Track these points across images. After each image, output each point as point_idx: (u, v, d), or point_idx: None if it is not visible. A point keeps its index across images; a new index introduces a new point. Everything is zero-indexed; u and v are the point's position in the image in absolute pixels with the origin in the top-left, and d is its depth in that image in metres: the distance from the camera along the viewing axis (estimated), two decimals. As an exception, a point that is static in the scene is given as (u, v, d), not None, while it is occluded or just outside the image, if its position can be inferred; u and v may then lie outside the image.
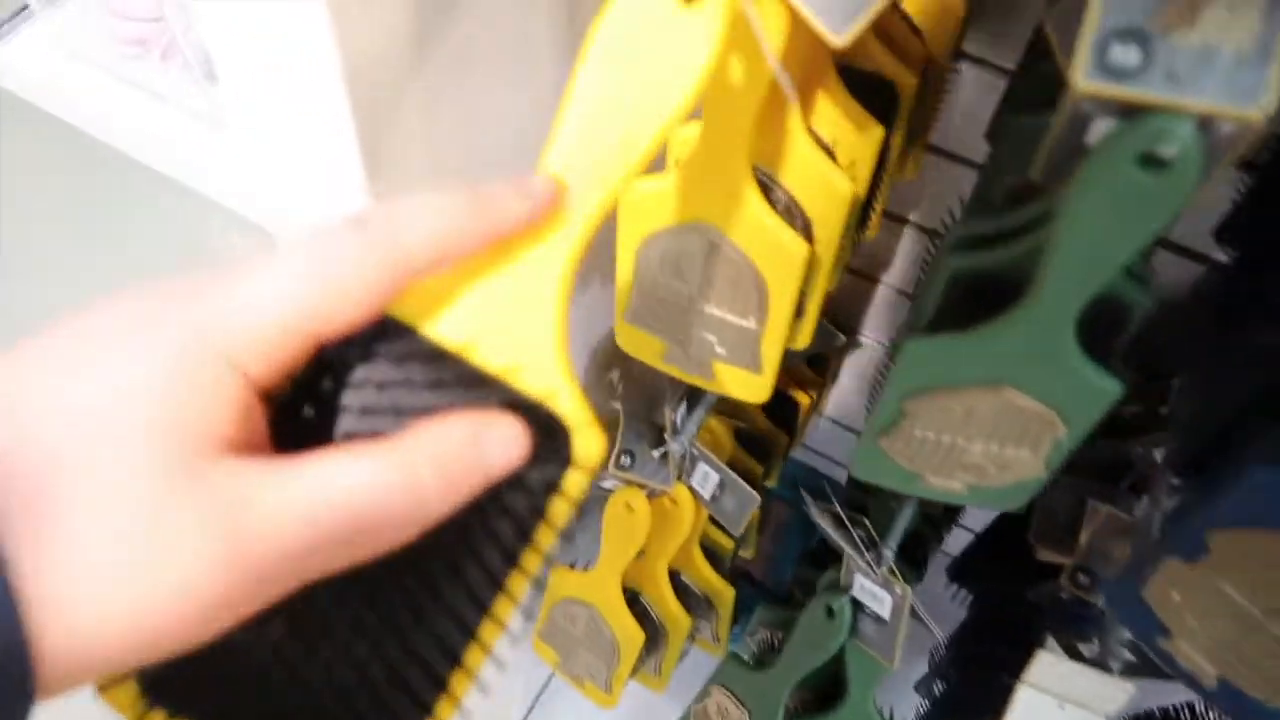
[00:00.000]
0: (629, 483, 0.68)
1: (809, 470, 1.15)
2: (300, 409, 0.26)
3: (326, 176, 0.37)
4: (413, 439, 0.25)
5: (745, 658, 0.77)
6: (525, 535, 0.26)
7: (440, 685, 0.27)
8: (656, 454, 0.65)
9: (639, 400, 0.69)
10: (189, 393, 0.22)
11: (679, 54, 0.29)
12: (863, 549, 0.61)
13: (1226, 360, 0.52)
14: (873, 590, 0.62)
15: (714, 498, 0.67)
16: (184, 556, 0.21)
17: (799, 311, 0.50)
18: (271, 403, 0.25)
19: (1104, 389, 0.40)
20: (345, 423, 0.26)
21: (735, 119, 0.39)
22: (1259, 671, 0.42)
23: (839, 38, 0.29)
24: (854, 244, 0.56)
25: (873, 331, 0.87)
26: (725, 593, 0.78)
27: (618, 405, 0.67)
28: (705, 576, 0.78)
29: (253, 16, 0.34)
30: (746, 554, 0.86)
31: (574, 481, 0.27)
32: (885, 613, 0.62)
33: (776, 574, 1.04)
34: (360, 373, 0.26)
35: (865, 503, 0.68)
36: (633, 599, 0.78)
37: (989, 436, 0.44)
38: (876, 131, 0.45)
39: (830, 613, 0.65)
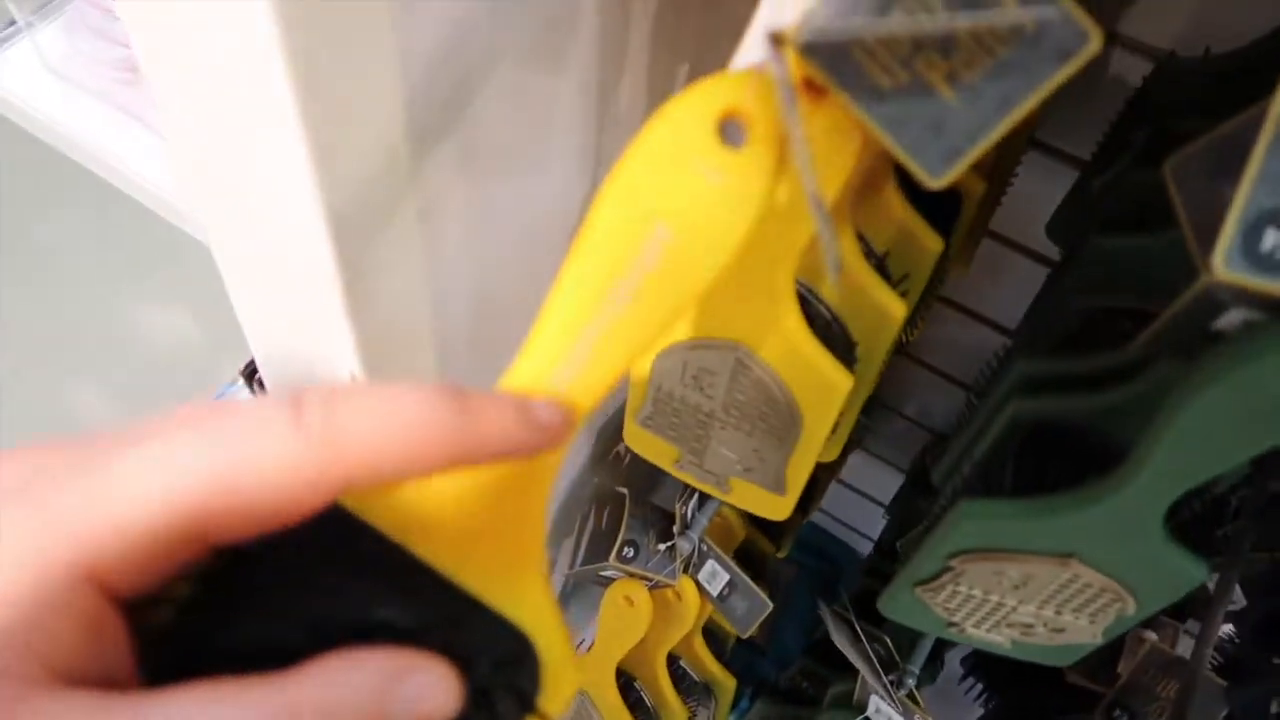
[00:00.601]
0: (631, 575, 0.62)
1: (822, 533, 1.10)
2: (201, 614, 0.20)
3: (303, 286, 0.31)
4: (303, 678, 0.18)
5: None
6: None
7: None
8: (663, 547, 0.60)
9: (645, 483, 0.63)
10: (19, 614, 0.17)
11: (719, 207, 0.23)
12: (880, 670, 0.55)
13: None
14: (890, 715, 0.56)
15: (722, 596, 0.61)
16: None
17: (835, 429, 0.45)
18: (164, 605, 0.20)
19: (1189, 574, 0.34)
20: (260, 634, 0.20)
21: (782, 243, 0.34)
22: None
23: (936, 180, 0.23)
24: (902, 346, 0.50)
25: (896, 400, 0.82)
26: (726, 682, 0.73)
27: (622, 489, 0.62)
28: (706, 665, 0.73)
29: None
30: (752, 634, 0.81)
31: (555, 692, 0.22)
32: (899, 734, 0.56)
33: (780, 644, 0.99)
34: (287, 571, 0.20)
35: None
36: (627, 684, 0.73)
37: (1045, 602, 0.39)
38: (935, 245, 0.40)
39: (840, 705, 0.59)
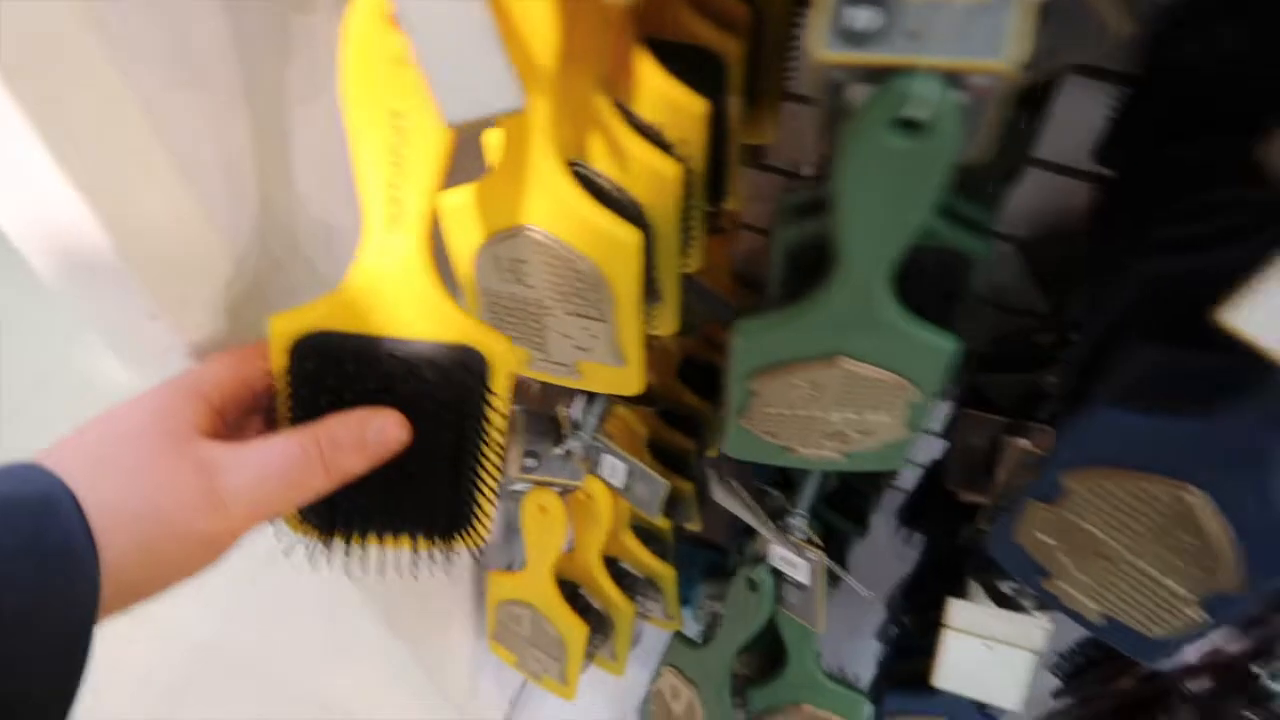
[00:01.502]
0: (539, 483, 0.67)
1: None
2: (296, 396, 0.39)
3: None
4: (319, 424, 0.38)
5: (694, 634, 0.77)
6: (483, 414, 0.41)
7: (476, 486, 0.43)
8: (559, 451, 0.64)
9: (539, 400, 0.68)
10: (175, 407, 0.36)
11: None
12: (768, 520, 0.60)
13: (1102, 287, 0.51)
14: (789, 558, 0.62)
15: (626, 487, 0.66)
16: (178, 497, 0.34)
17: (654, 296, 0.49)
18: (270, 396, 0.40)
19: (938, 347, 0.39)
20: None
21: (530, 116, 0.38)
22: (1133, 605, 0.42)
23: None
24: (715, 214, 0.54)
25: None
26: (665, 573, 0.78)
27: (515, 407, 0.66)
28: (642, 560, 0.78)
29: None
30: (694, 527, 0.86)
31: (498, 375, 0.41)
32: (804, 579, 0.61)
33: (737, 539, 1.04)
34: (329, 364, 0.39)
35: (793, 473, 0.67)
36: (574, 593, 0.78)
37: (842, 406, 0.44)
38: (699, 106, 0.44)
39: (752, 585, 0.64)
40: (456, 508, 0.43)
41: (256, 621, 1.06)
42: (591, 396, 0.64)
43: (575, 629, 0.75)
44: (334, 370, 0.39)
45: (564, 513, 0.68)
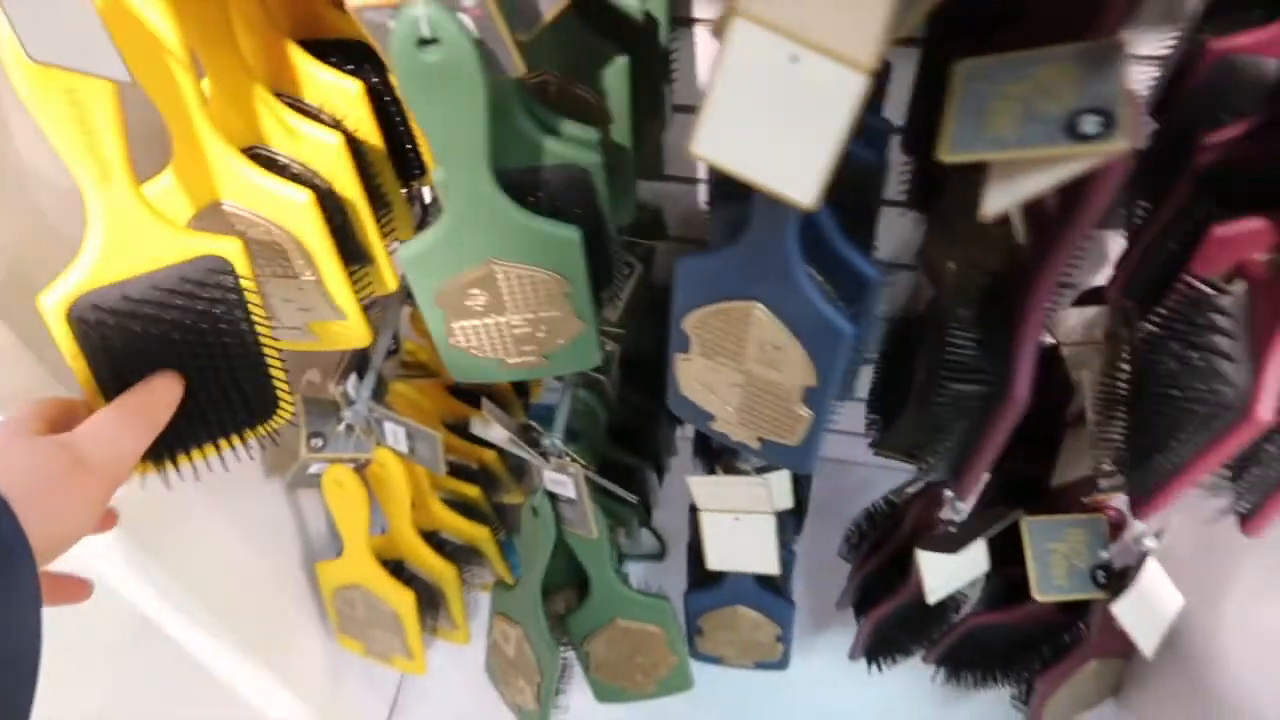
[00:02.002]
0: (331, 461, 0.74)
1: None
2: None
3: None
4: (126, 396, 0.46)
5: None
6: (245, 303, 0.49)
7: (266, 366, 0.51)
8: (341, 428, 0.71)
9: (319, 382, 0.74)
10: (22, 424, 0.44)
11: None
12: (529, 448, 0.68)
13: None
14: (557, 479, 0.70)
15: (411, 449, 0.73)
16: (59, 470, 0.41)
17: (362, 257, 0.57)
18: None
19: (563, 236, 0.48)
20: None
21: (190, 108, 0.46)
22: (769, 420, 0.51)
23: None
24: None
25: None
26: (480, 534, 0.85)
27: (294, 395, 0.73)
28: (455, 526, 0.85)
29: None
30: (513, 499, 0.93)
31: (240, 266, 0.48)
32: (571, 494, 0.69)
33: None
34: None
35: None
36: (399, 569, 0.84)
37: (516, 309, 0.52)
38: (349, 87, 0.52)
39: (534, 511, 0.72)
40: (260, 392, 0.52)
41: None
42: (361, 370, 0.71)
43: (403, 597, 0.81)
44: (110, 321, 0.46)
45: (361, 485, 0.75)
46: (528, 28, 0.43)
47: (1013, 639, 0.79)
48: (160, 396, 0.47)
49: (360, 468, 0.75)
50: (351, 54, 0.55)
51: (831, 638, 1.04)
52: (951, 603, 0.83)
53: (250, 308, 0.49)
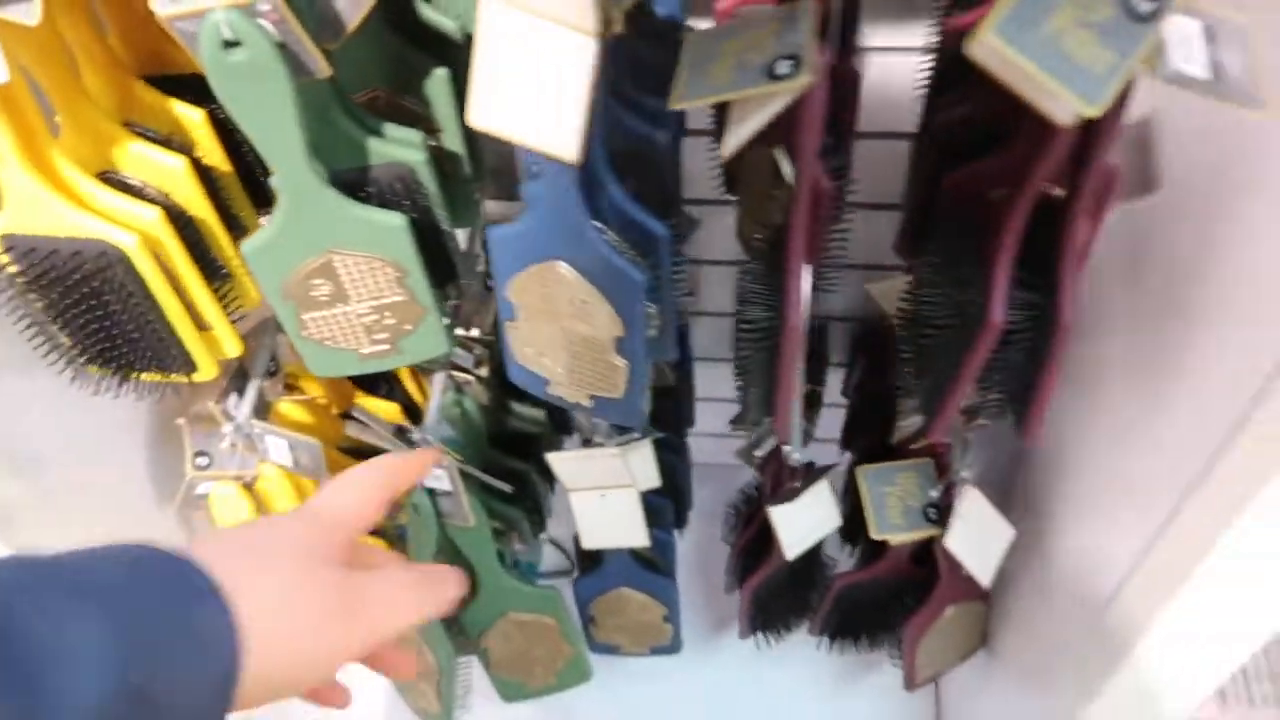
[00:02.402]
0: (218, 479, 0.77)
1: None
2: None
3: None
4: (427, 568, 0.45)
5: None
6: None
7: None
8: (224, 445, 0.75)
9: (200, 405, 0.78)
10: (323, 534, 0.40)
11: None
12: (399, 443, 0.73)
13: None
14: (433, 473, 0.74)
15: (295, 461, 0.77)
16: (324, 609, 0.37)
17: (220, 273, 0.62)
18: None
19: (387, 223, 0.54)
20: None
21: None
22: (596, 375, 0.57)
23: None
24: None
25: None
26: (375, 543, 0.89)
27: (180, 421, 0.77)
28: (350, 541, 0.88)
29: None
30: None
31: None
32: (448, 486, 0.74)
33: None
34: None
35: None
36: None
37: (360, 297, 0.58)
38: (193, 115, 0.58)
39: (415, 508, 0.76)
40: (176, 355, 0.60)
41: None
42: (241, 388, 0.76)
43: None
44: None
45: (249, 500, 0.78)
46: (334, 36, 0.49)
47: (880, 595, 0.85)
48: (450, 588, 0.44)
49: (248, 484, 0.79)
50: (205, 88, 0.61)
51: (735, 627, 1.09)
52: (822, 570, 0.89)
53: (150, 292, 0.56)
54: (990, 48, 0.37)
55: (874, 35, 0.73)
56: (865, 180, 0.82)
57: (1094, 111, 0.37)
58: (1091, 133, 0.44)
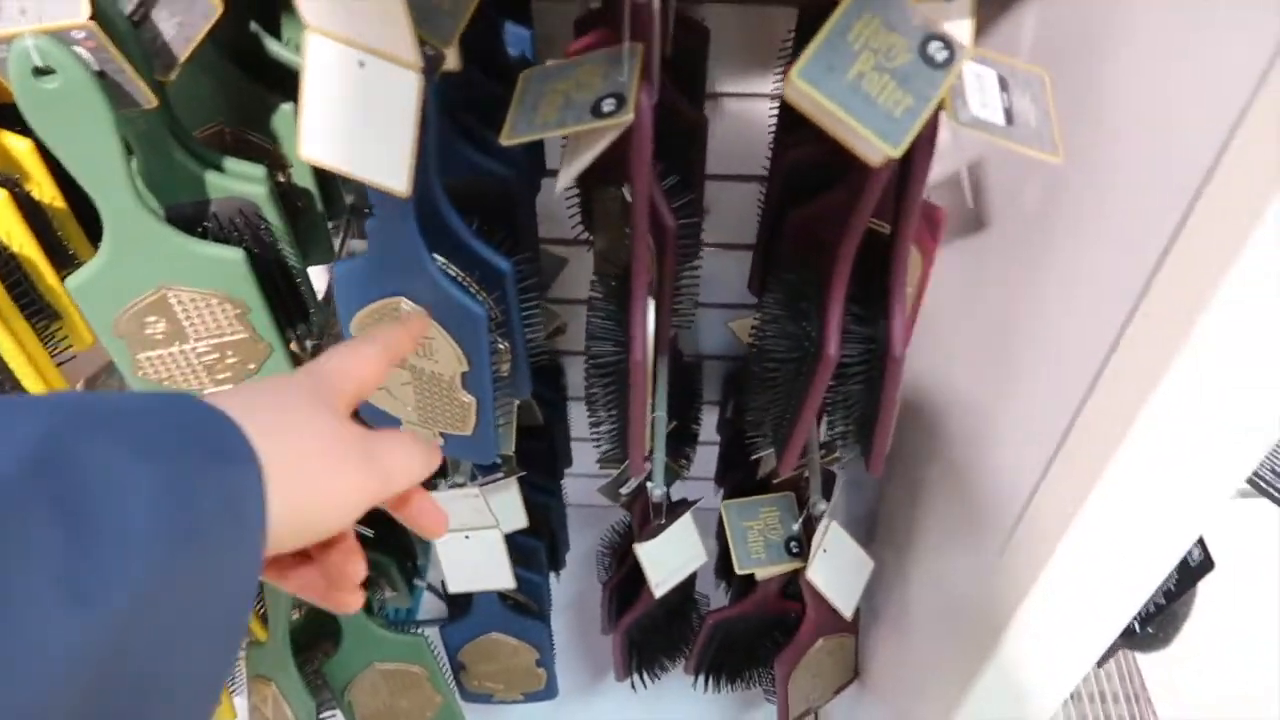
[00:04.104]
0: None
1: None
2: None
3: None
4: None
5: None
6: None
7: None
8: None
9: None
10: (329, 389, 0.39)
11: None
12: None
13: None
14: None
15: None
16: (342, 450, 0.37)
17: (49, 312, 0.59)
18: None
19: (225, 258, 0.53)
20: None
21: None
22: (444, 413, 0.57)
23: None
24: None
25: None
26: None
27: None
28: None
29: None
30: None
31: None
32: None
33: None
34: None
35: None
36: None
37: (199, 335, 0.56)
38: (19, 145, 0.56)
39: (271, 556, 0.74)
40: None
41: None
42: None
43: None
44: None
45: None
46: (165, 68, 0.48)
47: (752, 631, 0.86)
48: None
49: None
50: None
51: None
52: (695, 608, 0.89)
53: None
54: (799, 91, 0.39)
55: (729, 82, 0.75)
56: (733, 221, 0.85)
57: (895, 152, 0.39)
58: (906, 172, 0.46)
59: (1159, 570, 0.50)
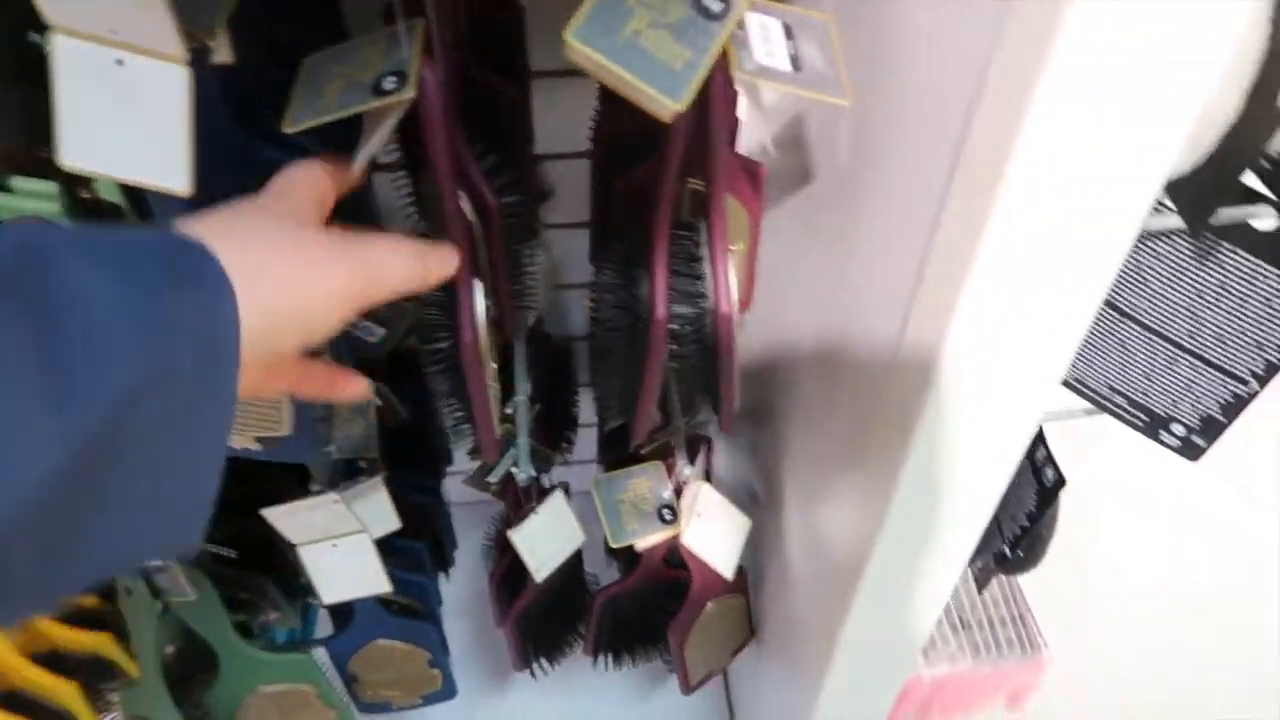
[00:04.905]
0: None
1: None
2: None
3: None
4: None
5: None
6: None
7: None
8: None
9: None
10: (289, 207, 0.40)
11: None
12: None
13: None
14: (142, 550, 0.69)
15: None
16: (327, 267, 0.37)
17: None
18: None
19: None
20: None
21: None
22: (256, 415, 0.55)
23: None
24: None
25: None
26: (99, 640, 0.81)
27: None
28: (69, 638, 0.80)
29: None
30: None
31: None
32: (158, 560, 0.69)
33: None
34: None
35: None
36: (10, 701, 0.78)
37: None
38: None
39: (128, 591, 0.70)
40: None
41: None
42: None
43: (14, 729, 0.75)
44: None
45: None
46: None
47: (643, 604, 0.86)
48: (446, 262, 0.46)
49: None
50: None
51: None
52: (584, 589, 0.89)
53: None
54: (577, 52, 0.39)
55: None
56: (585, 200, 0.85)
57: (679, 106, 0.39)
58: (706, 127, 0.46)
59: (998, 478, 0.52)
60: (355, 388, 0.47)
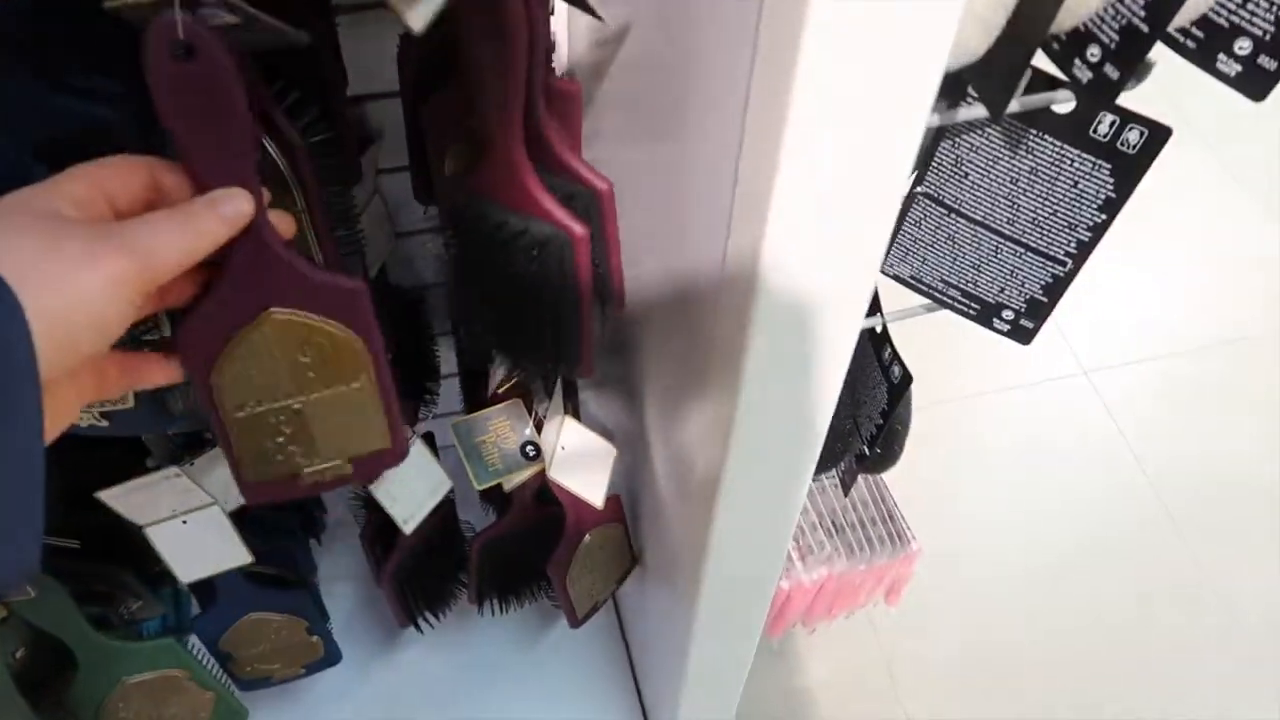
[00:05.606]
0: None
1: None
2: None
3: None
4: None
5: None
6: None
7: None
8: None
9: None
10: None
11: None
12: None
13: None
14: None
15: None
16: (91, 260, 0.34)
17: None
18: None
19: None
20: None
21: None
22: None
23: None
24: None
25: None
26: None
27: None
28: None
29: None
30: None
31: None
32: None
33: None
34: None
35: None
36: None
37: None
38: None
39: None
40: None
41: None
42: None
43: None
44: None
45: None
46: None
47: (522, 545, 0.86)
48: (232, 203, 0.41)
49: None
50: None
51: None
52: (460, 537, 0.88)
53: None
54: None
55: None
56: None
57: (417, 23, 0.38)
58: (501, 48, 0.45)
59: (832, 376, 0.53)
60: (163, 371, 0.44)
